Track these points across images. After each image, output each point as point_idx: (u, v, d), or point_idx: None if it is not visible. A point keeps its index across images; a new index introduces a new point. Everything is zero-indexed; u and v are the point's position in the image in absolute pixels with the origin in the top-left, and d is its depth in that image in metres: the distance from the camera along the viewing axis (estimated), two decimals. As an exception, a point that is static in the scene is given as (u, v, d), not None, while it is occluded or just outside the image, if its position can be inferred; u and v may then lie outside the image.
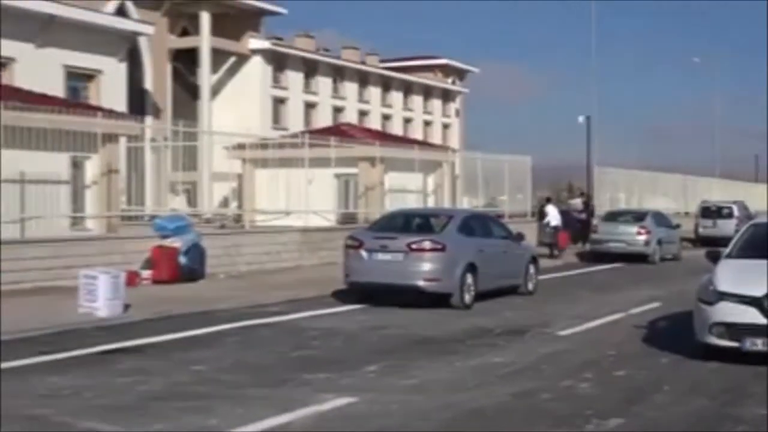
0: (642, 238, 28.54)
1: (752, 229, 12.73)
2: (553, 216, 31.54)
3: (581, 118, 45.87)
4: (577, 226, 34.11)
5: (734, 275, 10.94)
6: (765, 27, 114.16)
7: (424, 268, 15.90)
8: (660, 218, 30.92)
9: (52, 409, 8.07)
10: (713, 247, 17.33)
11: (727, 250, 12.13)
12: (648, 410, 8.54)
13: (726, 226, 35.79)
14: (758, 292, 10.29)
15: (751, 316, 10.28)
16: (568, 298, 18.01)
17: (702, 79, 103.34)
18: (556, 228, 31.05)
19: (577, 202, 37.62)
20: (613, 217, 31.27)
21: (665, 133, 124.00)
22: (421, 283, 15.88)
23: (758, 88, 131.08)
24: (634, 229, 28.94)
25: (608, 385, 9.77)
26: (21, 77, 32.87)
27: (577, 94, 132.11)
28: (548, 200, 35.19)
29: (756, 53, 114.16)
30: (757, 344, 10.18)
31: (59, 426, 7.48)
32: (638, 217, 30.41)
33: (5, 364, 10.32)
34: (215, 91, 46.81)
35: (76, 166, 20.88)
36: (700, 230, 38.13)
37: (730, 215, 38.07)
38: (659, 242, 28.99)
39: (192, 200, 36.00)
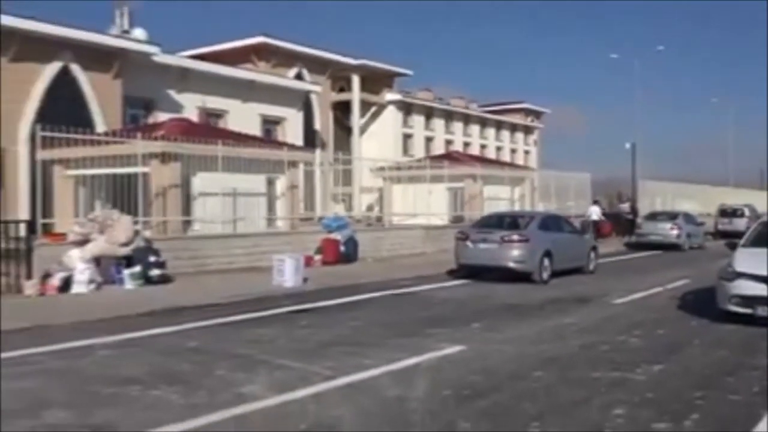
0: (675, 232, 27.62)
1: (760, 226, 12.37)
2: (594, 212, 32.10)
3: (628, 145, 45.41)
4: (626, 224, 33.52)
5: (748, 259, 10.60)
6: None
7: (513, 254, 15.69)
8: (688, 217, 29.81)
9: (255, 350, 8.30)
10: (730, 239, 16.78)
11: (742, 241, 11.80)
12: (683, 359, 8.26)
13: (739, 223, 34.28)
14: (765, 272, 9.95)
15: (761, 290, 9.96)
16: (620, 276, 17.46)
17: (719, 113, 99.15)
18: (595, 221, 31.29)
19: (625, 206, 37.14)
20: (652, 216, 30.22)
21: (691, 152, 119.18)
22: (510, 264, 15.68)
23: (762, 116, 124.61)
24: (669, 225, 28.03)
25: (652, 339, 9.45)
26: (232, 123, 34.03)
27: (624, 126, 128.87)
28: (595, 202, 34.65)
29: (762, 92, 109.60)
30: (766, 311, 9.87)
31: (261, 362, 7.67)
32: (672, 216, 29.36)
33: (230, 318, 10.71)
34: (363, 130, 47.31)
35: (270, 183, 21.42)
36: (719, 226, 36.49)
37: (742, 215, 36.51)
38: (688, 235, 28.00)
39: (348, 206, 36.50)
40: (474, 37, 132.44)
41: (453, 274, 16.79)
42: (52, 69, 27.43)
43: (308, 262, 16.95)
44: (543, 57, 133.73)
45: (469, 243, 16.33)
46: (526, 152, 63.17)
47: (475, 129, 57.44)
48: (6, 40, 26.01)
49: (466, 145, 54.51)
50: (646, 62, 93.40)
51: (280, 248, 16.80)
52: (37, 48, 26.66)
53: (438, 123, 53.48)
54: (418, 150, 49.79)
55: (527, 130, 64.30)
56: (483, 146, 57.23)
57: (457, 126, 55.55)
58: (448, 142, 53.23)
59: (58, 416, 5.76)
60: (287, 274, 14.62)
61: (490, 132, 59.40)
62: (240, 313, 11.12)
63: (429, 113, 52.69)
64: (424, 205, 26.89)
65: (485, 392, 6.60)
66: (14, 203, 25.48)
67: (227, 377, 7.06)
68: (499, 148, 59.40)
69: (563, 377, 7.23)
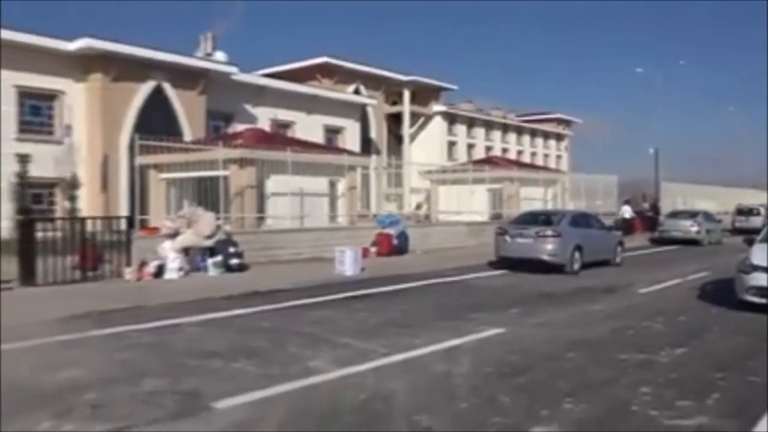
0: (695, 228, 26.65)
1: None
2: (626, 211, 31.88)
3: (651, 150, 44.33)
4: (649, 221, 32.72)
5: (764, 254, 10.11)
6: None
7: (547, 248, 15.39)
8: (707, 215, 28.76)
9: (319, 330, 8.35)
10: (747, 235, 16.09)
11: (759, 237, 11.33)
12: (704, 343, 7.98)
13: (755, 221, 32.98)
14: None
15: None
16: (644, 268, 16.95)
17: (734, 121, 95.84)
18: (627, 219, 31.05)
19: (646, 206, 36.36)
20: (674, 214, 29.25)
21: (710, 156, 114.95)
22: (545, 257, 15.38)
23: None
24: (689, 222, 27.07)
25: (674, 326, 9.15)
26: (299, 132, 34.35)
27: (648, 133, 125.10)
28: (626, 202, 33.96)
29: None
30: (781, 300, 9.46)
31: (326, 340, 7.72)
32: (692, 214, 28.36)
33: (298, 301, 10.78)
34: (412, 138, 47.17)
35: (332, 185, 21.54)
36: (736, 224, 35.10)
37: (758, 213, 35.08)
38: (707, 231, 26.99)
39: (399, 205, 36.47)
40: (512, 55, 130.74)
41: (492, 265, 16.60)
42: (147, 87, 28.13)
43: (365, 253, 16.98)
44: (575, 72, 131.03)
45: (507, 238, 16.10)
46: (558, 157, 62.08)
47: (512, 137, 56.77)
48: (108, 62, 26.77)
49: (504, 150, 53.85)
50: (669, 74, 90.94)
51: (341, 241, 16.87)
52: (135, 69, 27.37)
53: (479, 131, 53.01)
54: (461, 155, 49.45)
55: (559, 138, 63.17)
56: (519, 152, 56.45)
57: (496, 134, 54.95)
58: (488, 148, 52.70)
59: (154, 384, 5.90)
60: (347, 264, 14.67)
61: (526, 139, 58.62)
62: (306, 298, 11.20)
63: (471, 123, 52.28)
64: (467, 204, 26.67)
65: (523, 370, 6.51)
66: (116, 202, 26.24)
67: (297, 353, 7.12)
68: (533, 154, 58.51)
69: (593, 358, 7.08)
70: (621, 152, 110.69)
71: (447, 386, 5.89)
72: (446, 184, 30.57)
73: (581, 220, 17.42)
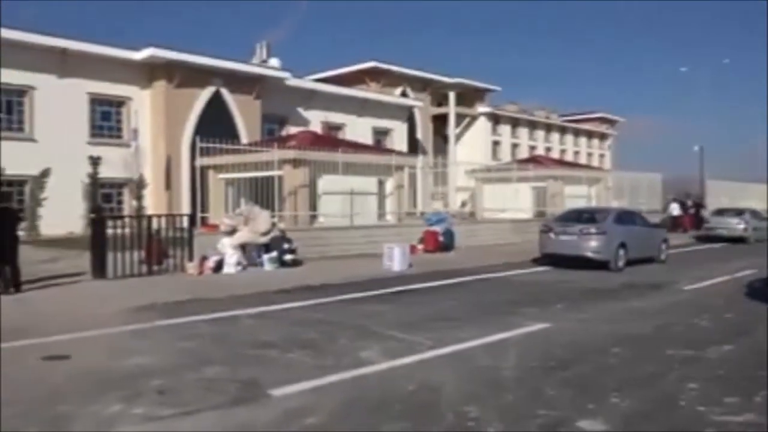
0: (741, 226, 25.62)
1: None
2: (674, 208, 31.33)
3: (696, 148, 43.01)
4: (693, 219, 31.69)
5: None
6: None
7: (591, 245, 15.05)
8: (753, 213, 27.56)
9: (370, 323, 8.36)
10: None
11: None
12: (750, 341, 7.65)
13: None
14: None
15: None
16: (690, 266, 16.42)
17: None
18: (675, 217, 30.51)
19: (689, 203, 35.22)
20: (720, 212, 28.16)
21: (757, 154, 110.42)
22: (589, 254, 15.04)
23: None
24: (736, 220, 26.03)
25: (721, 322, 8.82)
26: (349, 134, 34.55)
27: (692, 131, 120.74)
28: (674, 200, 32.99)
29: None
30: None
31: (375, 333, 7.73)
32: (738, 212, 27.25)
33: (348, 295, 10.82)
34: (457, 138, 46.88)
35: (381, 184, 21.57)
36: (783, 222, 33.71)
37: None
38: (754, 229, 25.87)
39: (445, 203, 36.28)
40: (556, 56, 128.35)
41: (537, 261, 16.34)
42: (207, 93, 28.74)
43: (412, 250, 16.91)
44: (618, 71, 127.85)
45: (551, 235, 15.83)
46: (601, 156, 60.77)
47: (555, 136, 55.90)
48: (171, 70, 27.45)
49: (548, 150, 53.06)
50: (713, 73, 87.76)
51: (389, 238, 16.87)
52: (196, 76, 28.00)
53: (523, 131, 52.40)
54: (505, 155, 48.94)
55: (602, 137, 61.79)
56: (562, 151, 55.52)
57: (540, 134, 54.20)
58: (532, 148, 52.00)
59: (215, 371, 6.01)
60: (395, 260, 14.65)
61: (569, 138, 57.62)
62: (356, 292, 11.23)
63: (515, 123, 51.71)
64: (511, 202, 26.33)
65: (569, 364, 6.38)
66: (178, 200, 26.90)
67: (348, 344, 7.16)
68: (576, 153, 57.43)
69: (639, 353, 6.89)
70: (665, 150, 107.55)
71: (493, 379, 5.83)
72: (491, 182, 30.25)
73: (625, 217, 16.98)
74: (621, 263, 15.19)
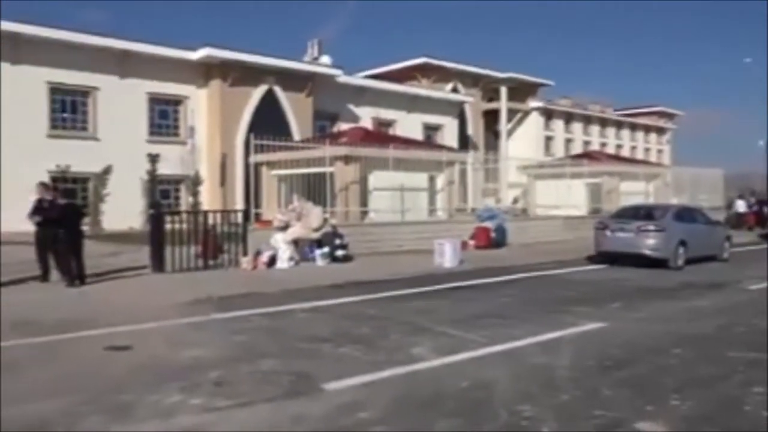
0: (810, 224, 24.45)
1: None
2: (740, 205, 30.46)
3: (761, 143, 41.14)
4: (758, 217, 30.39)
5: None
6: None
7: (649, 242, 14.59)
8: (822, 210, 26.32)
9: (421, 319, 8.34)
10: None
11: None
12: (822, 344, 7.26)
13: None
14: None
15: None
16: (753, 265, 15.72)
17: None
18: (740, 214, 29.72)
19: (752, 200, 33.76)
20: (787, 210, 27.01)
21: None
22: (647, 251, 14.58)
23: None
24: (805, 218, 24.86)
25: (788, 324, 8.41)
26: (399, 130, 34.57)
27: (757, 126, 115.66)
28: (739, 197, 31.76)
29: None
30: None
31: (427, 329, 7.71)
32: (806, 209, 26.04)
33: (400, 291, 10.80)
34: (509, 133, 46.28)
35: (431, 180, 21.51)
36: None
37: None
38: (824, 227, 24.67)
39: (497, 199, 35.88)
40: (612, 48, 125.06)
41: (591, 259, 15.98)
42: (260, 91, 29.24)
43: (464, 246, 16.80)
44: (678, 63, 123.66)
45: (607, 232, 15.44)
46: (659, 151, 58.88)
47: (611, 131, 54.49)
48: (226, 69, 28.02)
49: (603, 145, 51.73)
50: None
51: (440, 234, 16.76)
52: (250, 75, 28.51)
53: (576, 126, 51.28)
54: (558, 150, 48.03)
55: (660, 131, 59.85)
56: (618, 146, 54.05)
57: (594, 128, 52.94)
58: (586, 143, 50.85)
59: (269, 364, 6.11)
60: (446, 256, 14.58)
61: (625, 133, 56.06)
62: (407, 288, 11.22)
63: (568, 118, 50.66)
64: (565, 198, 25.82)
65: (626, 364, 6.21)
66: (233, 196, 27.46)
67: (399, 340, 7.16)
68: (633, 148, 55.86)
69: (701, 355, 6.65)
70: (727, 145, 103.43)
71: (548, 378, 5.72)
72: (544, 178, 29.72)
73: (685, 214, 16.43)
74: (680, 261, 14.70)
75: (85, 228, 12.21)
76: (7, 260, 14.05)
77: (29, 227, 11.42)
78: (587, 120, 52.27)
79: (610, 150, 49.83)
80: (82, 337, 7.19)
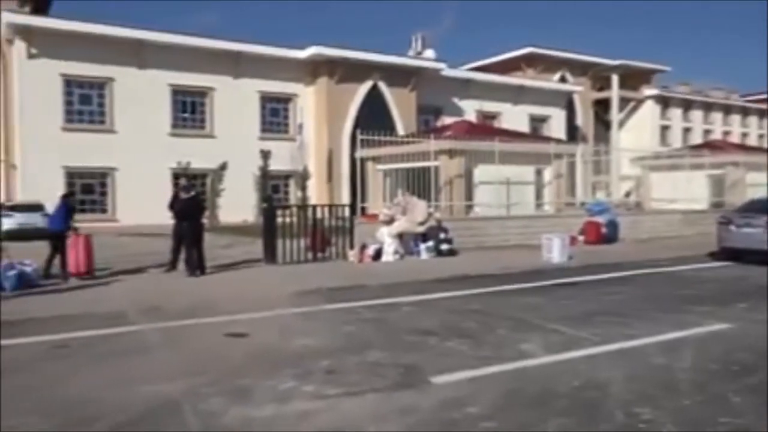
0: None
1: None
2: None
3: None
4: None
5: None
6: None
7: (781, 239, 13.43)
8: None
9: (529, 315, 8.15)
10: None
11: None
12: None
13: None
14: None
15: None
16: None
17: None
18: None
19: None
20: None
21: None
22: (777, 249, 13.44)
23: None
24: None
25: None
26: (504, 122, 33.95)
27: None
28: None
29: None
30: None
31: (536, 326, 7.55)
32: None
33: (506, 286, 10.65)
34: (621, 124, 44.22)
35: (538, 173, 21.00)
36: None
37: None
38: None
39: (608, 193, 34.44)
40: (736, 29, 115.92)
41: (714, 256, 14.94)
42: (365, 87, 29.76)
43: (573, 241, 16.28)
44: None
45: (732, 227, 14.36)
46: (794, 139, 54.03)
47: (735, 118, 50.62)
48: (333, 67, 28.71)
49: (726, 134, 48.24)
50: None
51: (547, 229, 16.34)
52: (355, 71, 29.07)
53: (696, 114, 48.13)
54: (675, 140, 45.34)
55: (795, 117, 54.85)
56: (744, 134, 50.20)
57: (717, 116, 49.43)
58: (707, 132, 47.62)
59: (377, 355, 6.21)
60: (554, 251, 14.19)
61: (753, 120, 51.89)
62: (514, 283, 11.02)
63: (687, 105, 47.65)
64: (683, 191, 24.32)
65: (755, 370, 5.75)
66: (339, 191, 28.15)
67: (507, 336, 7.05)
68: (760, 136, 51.64)
69: (844, 363, 6.03)
70: None
71: (668, 380, 5.42)
72: (660, 170, 28.15)
73: (823, 208, 14.93)
74: (817, 260, 13.40)
75: (204, 221, 12.98)
76: (137, 250, 15.23)
77: (155, 220, 12.33)
78: (708, 107, 48.93)
79: (735, 139, 46.39)
80: (204, 324, 7.66)
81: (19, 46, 24.95)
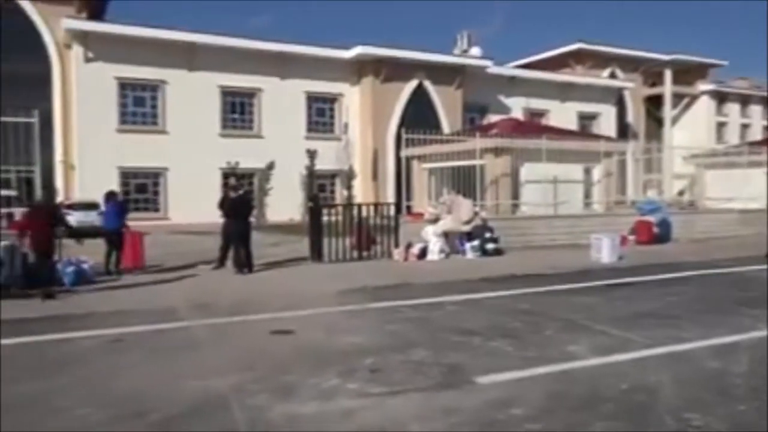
0: None
1: None
2: None
3: None
4: None
5: None
6: None
7: None
8: None
9: (577, 316, 8.01)
10: None
11: None
12: None
13: None
14: None
15: None
16: None
17: None
18: None
19: None
20: None
21: None
22: (843, 249, 12.83)
23: None
24: None
25: None
26: (552, 120, 33.40)
27: None
28: None
29: None
30: None
31: (583, 327, 7.41)
32: None
33: (554, 287, 10.49)
34: (674, 120, 42.92)
35: (587, 171, 20.61)
36: None
37: None
38: None
39: (660, 191, 33.49)
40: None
41: (773, 257, 14.37)
42: (410, 86, 29.75)
43: (623, 241, 15.87)
44: None
45: (793, 227, 13.80)
46: None
47: (798, 113, 48.53)
48: (379, 66, 28.78)
49: (787, 130, 46.32)
50: None
51: (597, 228, 16.02)
52: (401, 70, 29.08)
53: (755, 109, 46.31)
54: (732, 137, 43.73)
55: None
56: (809, 130, 48.06)
57: (777, 111, 47.48)
58: (766, 128, 45.77)
59: (420, 354, 6.21)
60: (604, 251, 13.90)
61: (819, 115, 49.61)
62: (562, 283, 10.84)
63: (745, 101, 45.88)
64: (740, 189, 23.42)
65: (817, 376, 5.51)
66: (384, 190, 28.23)
67: (554, 337, 6.95)
68: (828, 131, 49.31)
69: None
70: None
71: (721, 385, 5.25)
72: (715, 168, 27.21)
73: None
74: None
75: (252, 220, 13.22)
76: (188, 248, 15.61)
77: (205, 219, 12.63)
78: (768, 102, 47.06)
79: (797, 135, 44.44)
80: (251, 321, 7.81)
81: (77, 51, 25.92)
